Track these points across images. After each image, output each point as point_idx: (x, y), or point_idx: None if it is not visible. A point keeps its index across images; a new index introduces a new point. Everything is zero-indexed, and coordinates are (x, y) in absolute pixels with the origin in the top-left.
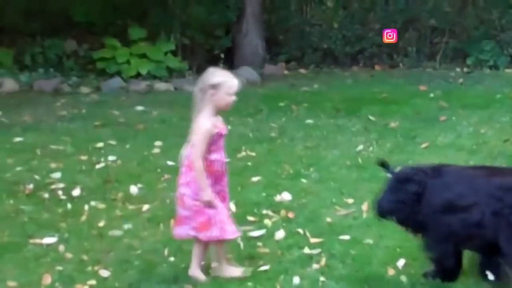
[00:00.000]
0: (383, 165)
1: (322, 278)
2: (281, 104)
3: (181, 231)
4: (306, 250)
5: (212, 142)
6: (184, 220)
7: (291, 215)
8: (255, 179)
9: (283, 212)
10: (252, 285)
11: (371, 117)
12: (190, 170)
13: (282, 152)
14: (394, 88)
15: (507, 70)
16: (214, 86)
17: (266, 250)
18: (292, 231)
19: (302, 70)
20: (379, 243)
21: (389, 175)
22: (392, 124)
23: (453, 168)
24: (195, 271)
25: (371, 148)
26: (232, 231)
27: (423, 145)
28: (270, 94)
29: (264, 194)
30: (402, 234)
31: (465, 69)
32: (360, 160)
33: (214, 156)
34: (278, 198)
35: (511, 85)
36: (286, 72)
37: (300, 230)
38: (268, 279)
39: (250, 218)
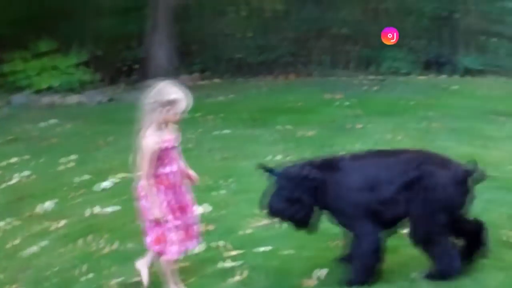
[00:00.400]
0: (265, 169)
1: None
2: (197, 114)
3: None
4: (227, 263)
5: (163, 156)
6: (146, 231)
7: (211, 227)
8: None
9: (202, 225)
10: None
11: (288, 126)
12: None
13: (200, 163)
14: (309, 96)
15: (420, 77)
16: (171, 102)
17: (186, 264)
18: (212, 244)
19: (217, 80)
20: (300, 254)
21: (273, 176)
22: (310, 133)
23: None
24: None
25: (289, 158)
26: (172, 252)
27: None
28: None
29: None
30: (321, 243)
31: (379, 77)
32: None
33: (168, 169)
34: (197, 210)
35: (424, 91)
36: (200, 82)
37: (221, 243)
38: None
39: None
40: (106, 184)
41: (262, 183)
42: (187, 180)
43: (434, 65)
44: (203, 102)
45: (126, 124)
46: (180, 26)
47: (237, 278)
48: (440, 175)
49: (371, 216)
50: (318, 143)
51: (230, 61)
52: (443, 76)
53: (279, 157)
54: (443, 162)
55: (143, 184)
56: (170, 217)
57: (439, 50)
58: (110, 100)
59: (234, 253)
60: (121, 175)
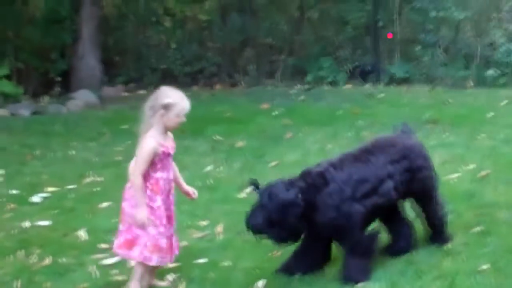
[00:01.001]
0: (254, 185)
1: None
2: (124, 126)
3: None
4: (164, 276)
5: (158, 160)
6: (118, 234)
7: None
8: (104, 204)
9: None
10: None
11: (217, 137)
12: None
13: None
14: (237, 107)
15: (346, 86)
16: (166, 107)
17: (123, 277)
18: None
19: (142, 91)
20: (237, 265)
21: (257, 193)
22: (239, 144)
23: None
24: None
25: (220, 168)
26: (155, 260)
27: (272, 164)
28: (111, 117)
29: (115, 220)
30: (259, 255)
31: (305, 86)
32: (211, 181)
33: (159, 175)
34: None
35: (351, 100)
36: (125, 94)
37: None
38: None
39: (103, 246)
40: (36, 198)
41: (199, 195)
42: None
43: (359, 73)
44: (128, 114)
45: (52, 137)
46: (104, 38)
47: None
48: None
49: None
50: (248, 154)
51: (155, 72)
52: (369, 85)
53: (209, 168)
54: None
55: (134, 182)
56: (157, 222)
57: (364, 59)
58: (34, 113)
59: (170, 265)
60: (50, 189)
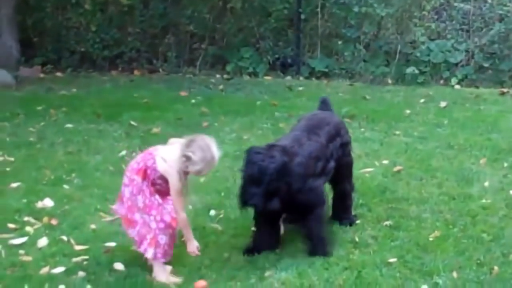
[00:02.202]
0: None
1: (88, 286)
2: (39, 108)
3: None
4: (72, 258)
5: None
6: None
7: (54, 222)
8: (14, 185)
9: (45, 219)
10: None
11: (132, 123)
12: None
13: (42, 157)
14: (154, 93)
15: (266, 77)
16: (188, 158)
17: (29, 258)
18: (56, 239)
19: (59, 74)
20: None
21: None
22: (155, 130)
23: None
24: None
25: (134, 154)
26: (151, 253)
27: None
28: (26, 97)
29: (24, 200)
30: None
31: (225, 76)
32: (123, 166)
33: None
34: (39, 204)
35: (270, 92)
36: (42, 75)
37: (64, 238)
38: (32, 286)
39: (11, 226)
40: None
41: (107, 179)
42: None
43: (280, 65)
44: (45, 95)
45: None
46: (22, 18)
47: (81, 274)
48: None
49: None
50: (164, 140)
51: (73, 55)
52: (289, 77)
53: (124, 153)
54: None
55: (180, 218)
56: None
57: (285, 51)
58: None
59: (78, 248)
60: None
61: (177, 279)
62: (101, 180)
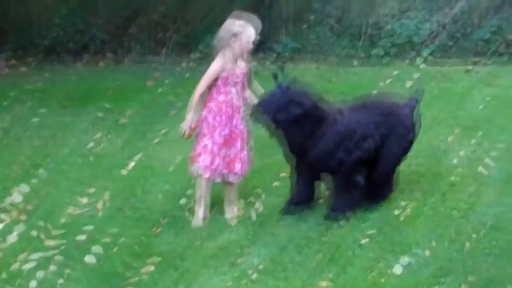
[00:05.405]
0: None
1: (60, 281)
2: (4, 104)
3: None
4: (43, 252)
5: (221, 84)
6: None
7: (23, 216)
8: None
9: (15, 214)
10: None
11: (100, 114)
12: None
13: (9, 152)
14: (121, 83)
15: None
16: (235, 35)
17: (5, 245)
18: (27, 233)
19: (24, 67)
20: (117, 241)
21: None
22: (122, 120)
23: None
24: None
25: (102, 145)
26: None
27: (156, 140)
28: None
29: None
30: (141, 231)
31: (191, 63)
32: (91, 158)
33: (222, 98)
34: (8, 199)
35: None
36: (6, 70)
37: (35, 232)
38: (3, 282)
39: None
40: None
41: (75, 172)
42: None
43: None
44: (10, 90)
45: None
46: None
47: (53, 268)
48: None
49: None
50: (133, 130)
51: (37, 47)
52: (255, 62)
53: (91, 145)
54: None
55: (193, 95)
56: (206, 137)
57: None
58: None
59: (50, 242)
60: None
61: None
62: (69, 173)
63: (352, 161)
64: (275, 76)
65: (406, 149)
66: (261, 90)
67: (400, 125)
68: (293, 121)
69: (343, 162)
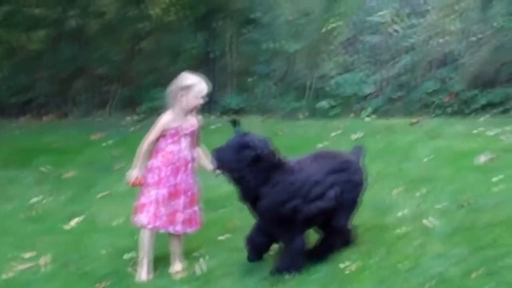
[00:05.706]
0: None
1: None
2: None
3: None
4: None
5: (169, 135)
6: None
7: None
8: None
9: None
10: None
11: (43, 169)
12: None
13: None
14: (65, 138)
15: None
16: (184, 88)
17: None
18: None
19: None
20: None
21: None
22: (66, 175)
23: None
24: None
25: (45, 200)
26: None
27: (100, 195)
28: None
29: None
30: (87, 286)
31: (136, 117)
32: (34, 213)
33: (169, 148)
34: None
35: None
36: None
37: None
38: None
39: None
40: None
41: (18, 227)
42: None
43: None
44: None
45: None
46: None
47: None
48: None
49: None
50: (76, 185)
51: None
52: (201, 116)
53: (35, 200)
54: None
55: (140, 146)
56: (151, 187)
57: None
58: None
59: None
60: None
61: None
62: (12, 229)
63: (311, 211)
64: (233, 123)
65: (359, 199)
66: (207, 151)
67: (357, 175)
68: (249, 165)
69: (297, 212)
